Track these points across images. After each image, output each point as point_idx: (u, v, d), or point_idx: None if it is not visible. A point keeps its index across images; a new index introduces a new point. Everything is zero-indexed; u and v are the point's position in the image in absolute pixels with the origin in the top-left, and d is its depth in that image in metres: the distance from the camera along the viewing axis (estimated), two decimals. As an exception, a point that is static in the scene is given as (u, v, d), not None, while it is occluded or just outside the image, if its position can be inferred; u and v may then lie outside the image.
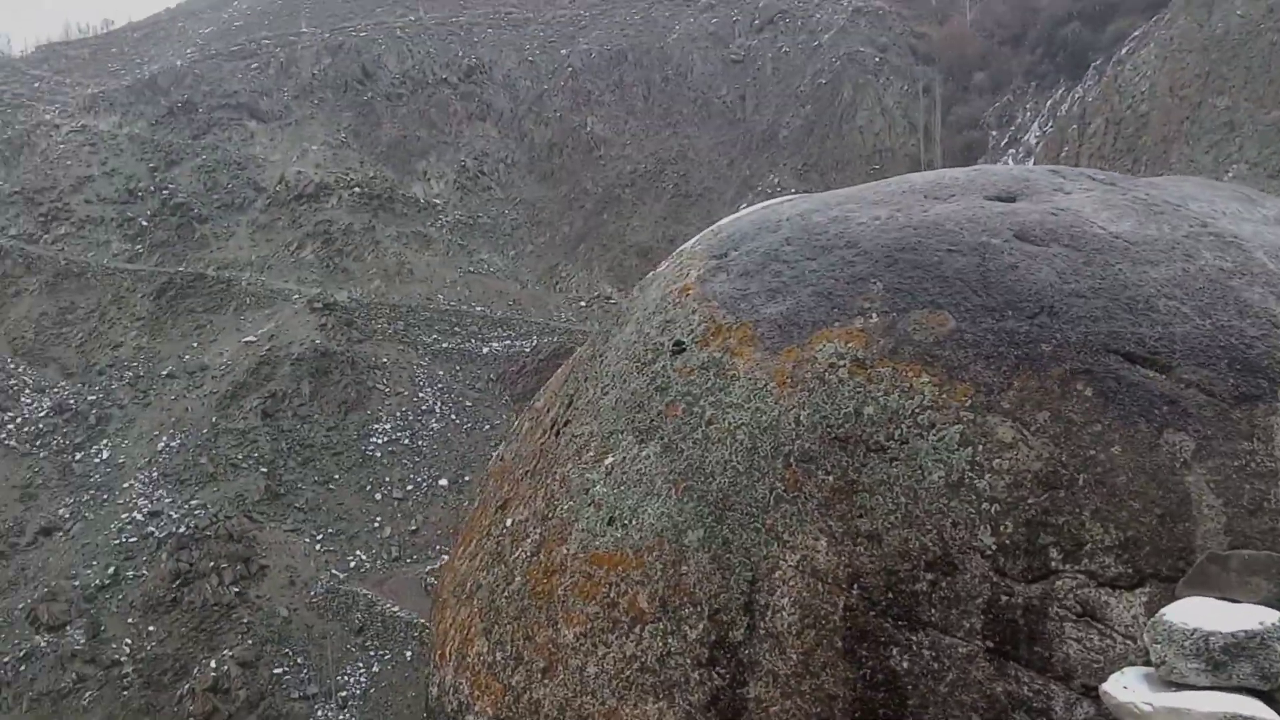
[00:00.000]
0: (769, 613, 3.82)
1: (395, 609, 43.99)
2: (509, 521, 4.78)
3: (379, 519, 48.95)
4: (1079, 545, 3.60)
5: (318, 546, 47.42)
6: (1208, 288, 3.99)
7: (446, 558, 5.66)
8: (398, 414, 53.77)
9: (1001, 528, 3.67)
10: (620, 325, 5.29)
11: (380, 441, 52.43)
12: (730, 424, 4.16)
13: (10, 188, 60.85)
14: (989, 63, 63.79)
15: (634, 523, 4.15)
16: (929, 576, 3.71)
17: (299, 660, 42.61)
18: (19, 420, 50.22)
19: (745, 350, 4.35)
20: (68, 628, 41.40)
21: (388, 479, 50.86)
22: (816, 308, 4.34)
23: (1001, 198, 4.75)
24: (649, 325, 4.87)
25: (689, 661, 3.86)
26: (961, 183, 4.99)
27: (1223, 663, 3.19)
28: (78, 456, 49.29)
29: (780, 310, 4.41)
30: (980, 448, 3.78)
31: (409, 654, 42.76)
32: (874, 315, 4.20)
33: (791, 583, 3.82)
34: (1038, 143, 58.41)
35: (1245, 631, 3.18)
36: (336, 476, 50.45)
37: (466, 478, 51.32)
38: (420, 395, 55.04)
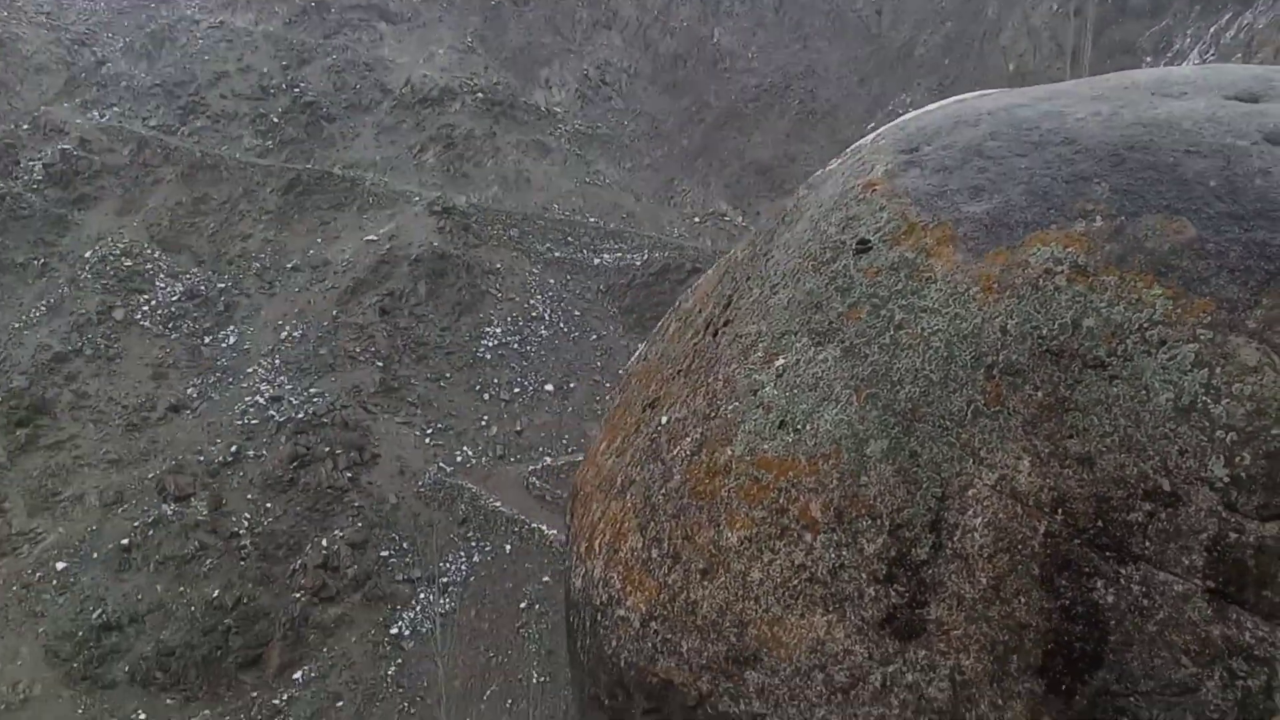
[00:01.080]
0: (958, 532, 3.52)
1: (497, 504, 45.28)
2: (664, 419, 4.56)
3: (486, 418, 50.17)
4: (1328, 485, 3.18)
5: (427, 440, 48.93)
6: None
7: (583, 454, 5.52)
8: (508, 319, 54.58)
9: (1237, 459, 3.27)
10: (789, 224, 4.95)
11: (490, 344, 53.42)
12: (924, 330, 3.82)
13: (151, 80, 62.86)
14: (1148, -17, 59.37)
15: (808, 428, 3.87)
16: (1146, 507, 3.35)
17: (404, 545, 44.42)
18: (154, 303, 52.72)
19: (944, 251, 3.97)
20: (192, 499, 43.91)
21: (496, 380, 51.93)
22: (1030, 207, 3.92)
23: (1243, 98, 4.20)
24: (826, 223, 4.52)
25: (864, 576, 3.60)
26: (1194, 80, 4.43)
27: None
28: (206, 340, 51.63)
29: (986, 209, 4.01)
30: (1219, 370, 3.36)
31: (508, 547, 44.04)
32: (1098, 218, 3.76)
33: (986, 502, 3.51)
34: (1196, 73, 54.18)
35: None
36: (448, 375, 51.73)
37: (572, 384, 52.00)
38: (531, 302, 55.66)
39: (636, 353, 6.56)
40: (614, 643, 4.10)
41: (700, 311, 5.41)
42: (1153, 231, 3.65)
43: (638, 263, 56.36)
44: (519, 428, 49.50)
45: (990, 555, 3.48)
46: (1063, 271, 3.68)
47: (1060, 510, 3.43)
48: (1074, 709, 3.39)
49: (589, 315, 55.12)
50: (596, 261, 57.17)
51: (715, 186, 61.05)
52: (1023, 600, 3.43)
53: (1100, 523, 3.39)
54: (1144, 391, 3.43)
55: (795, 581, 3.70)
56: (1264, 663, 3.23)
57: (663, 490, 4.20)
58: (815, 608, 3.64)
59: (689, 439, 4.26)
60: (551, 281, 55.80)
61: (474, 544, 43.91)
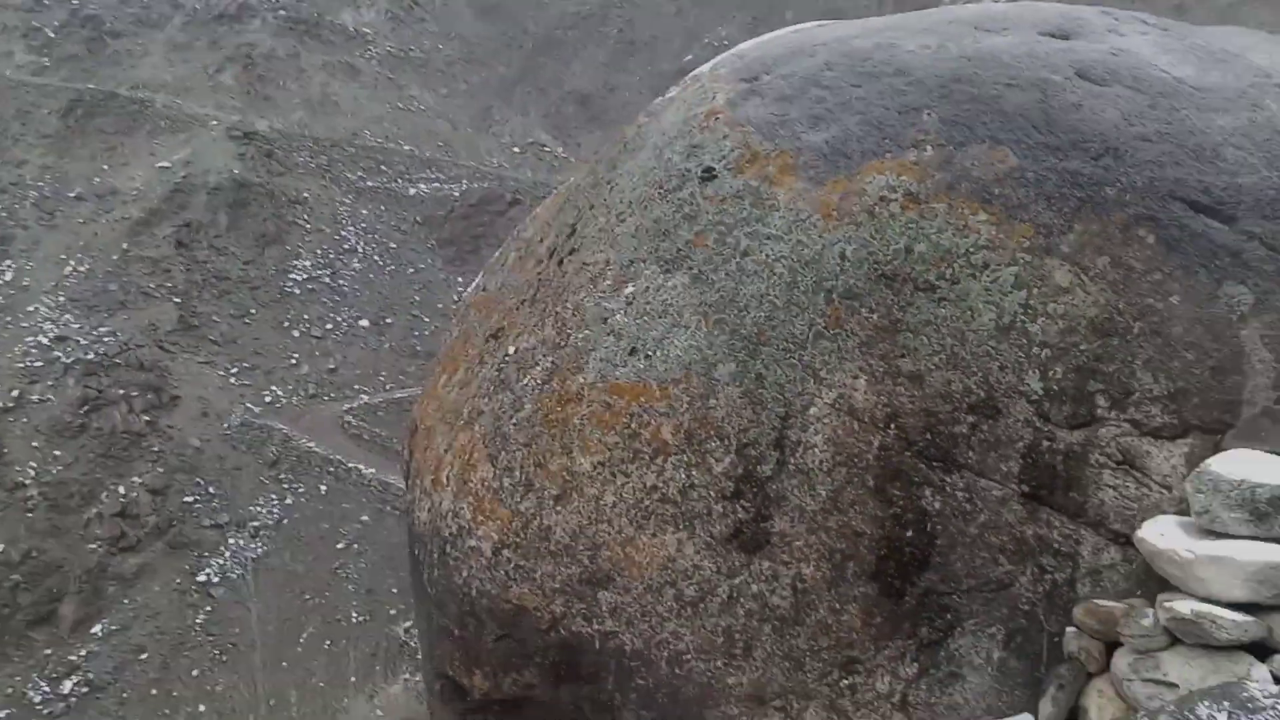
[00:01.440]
0: (800, 449, 3.69)
1: (311, 445, 43.68)
2: (511, 350, 4.52)
3: (296, 356, 48.02)
4: (1127, 394, 3.52)
5: (232, 380, 46.47)
6: (1275, 139, 3.83)
7: (404, 391, 5.36)
8: (318, 251, 52.15)
9: (1050, 373, 3.56)
10: (631, 151, 4.94)
11: (299, 278, 50.95)
12: (768, 256, 3.92)
13: (-104, -19, 55.53)
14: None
15: (659, 354, 3.93)
16: (970, 419, 3.60)
17: (210, 490, 42.32)
18: (-88, 234, 47.31)
19: (786, 179, 4.07)
20: (-32, 449, 40.20)
21: (306, 316, 49.69)
22: (866, 137, 4.06)
23: (1055, 34, 4.47)
24: (671, 151, 4.54)
25: (712, 494, 3.72)
26: (1012, 16, 4.68)
27: (1267, 514, 3.17)
28: (-24, 276, 46.83)
29: (825, 138, 4.13)
30: (1036, 291, 3.62)
31: (324, 489, 42.75)
32: (929, 148, 3.95)
33: (826, 420, 3.68)
34: None
35: (1292, 486, 3.15)
36: (253, 311, 49.09)
37: (388, 319, 50.47)
38: (342, 234, 53.35)
39: (474, 283, 6.44)
40: (465, 573, 4.09)
41: (542, 240, 5.35)
42: (978, 161, 3.86)
43: (456, 193, 54.90)
44: (332, 365, 47.76)
45: (829, 469, 3.66)
46: (897, 199, 3.86)
47: (893, 425, 3.64)
48: (903, 609, 3.65)
49: (405, 248, 53.44)
50: (412, 192, 55.30)
51: (534, 115, 60.04)
52: (858, 510, 3.64)
53: (929, 435, 3.62)
54: (969, 312, 3.66)
55: (647, 503, 3.78)
56: (1068, 558, 3.57)
57: (514, 420, 4.18)
58: (666, 527, 3.74)
59: (539, 368, 4.24)
60: (364, 212, 53.64)
61: (287, 486, 42.34)
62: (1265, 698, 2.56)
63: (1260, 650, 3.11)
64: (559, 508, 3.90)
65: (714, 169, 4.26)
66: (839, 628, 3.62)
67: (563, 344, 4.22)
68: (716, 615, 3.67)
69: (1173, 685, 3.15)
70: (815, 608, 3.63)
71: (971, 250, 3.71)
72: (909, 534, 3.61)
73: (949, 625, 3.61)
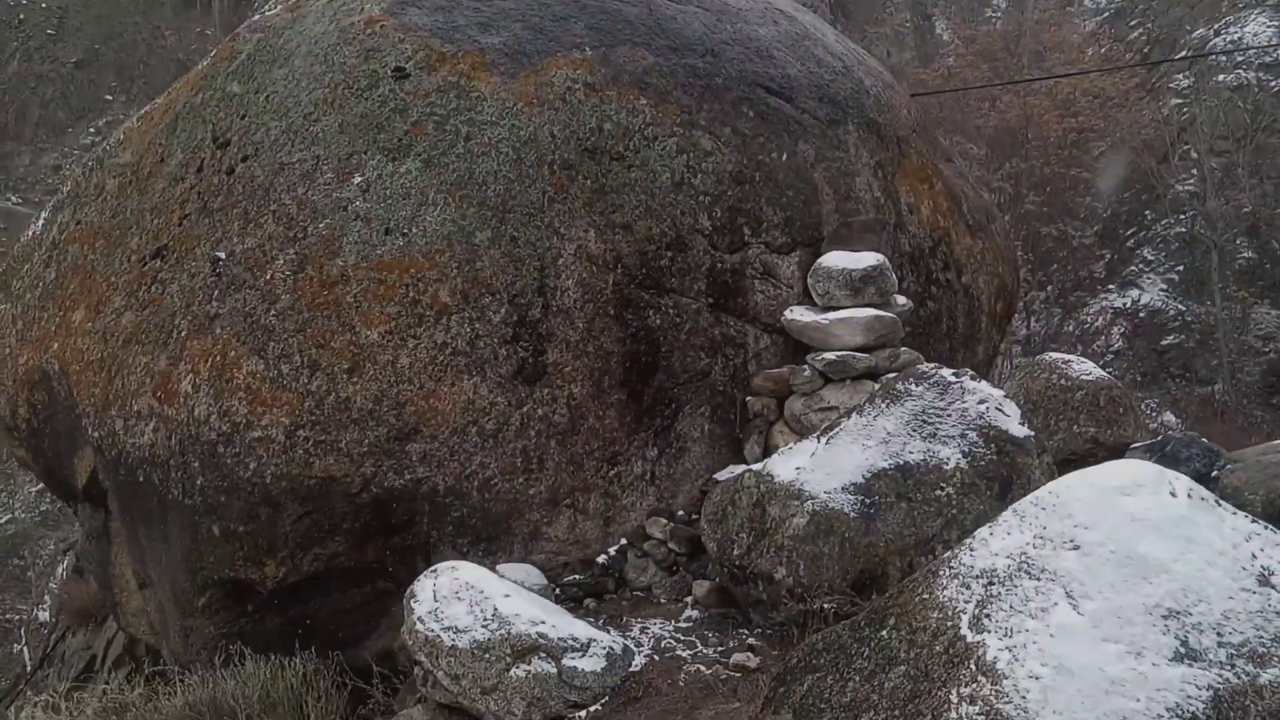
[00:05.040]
0: (558, 293, 4.49)
1: None
2: (221, 255, 4.49)
3: None
4: (760, 224, 4.96)
5: None
6: (796, 44, 5.53)
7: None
8: None
9: (713, 214, 4.85)
10: (265, 64, 5.09)
11: None
12: (490, 139, 4.58)
13: None
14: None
15: (415, 230, 4.38)
16: (669, 254, 4.74)
17: None
18: None
19: (481, 75, 4.73)
20: None
21: None
22: (534, 40, 4.89)
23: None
24: (340, 55, 4.85)
25: (496, 340, 4.35)
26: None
27: (860, 288, 4.85)
28: None
29: (501, 41, 4.85)
30: (691, 155, 4.86)
31: None
32: (587, 48, 4.92)
33: (572, 268, 4.53)
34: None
35: (870, 266, 4.87)
36: None
37: None
38: None
39: (40, 223, 5.79)
40: (253, 464, 4.11)
41: (163, 161, 5.16)
42: (627, 59, 4.95)
43: None
44: None
45: (581, 305, 4.52)
46: (579, 88, 4.78)
47: (619, 265, 4.63)
48: (643, 406, 4.70)
49: None
50: None
51: None
52: (606, 334, 4.57)
53: (644, 270, 4.68)
54: (651, 174, 4.77)
55: (441, 357, 4.26)
56: (740, 346, 4.93)
57: (273, 312, 4.25)
58: (462, 375, 4.28)
59: (280, 262, 4.35)
60: None
61: None
62: (922, 372, 4.16)
63: (873, 376, 4.77)
64: (354, 379, 4.17)
65: (404, 68, 4.73)
66: (604, 430, 4.55)
67: (301, 236, 4.38)
68: (513, 440, 4.34)
69: (834, 408, 4.67)
70: (585, 418, 4.50)
71: (643, 127, 4.80)
72: (643, 347, 4.65)
73: (674, 412, 4.75)
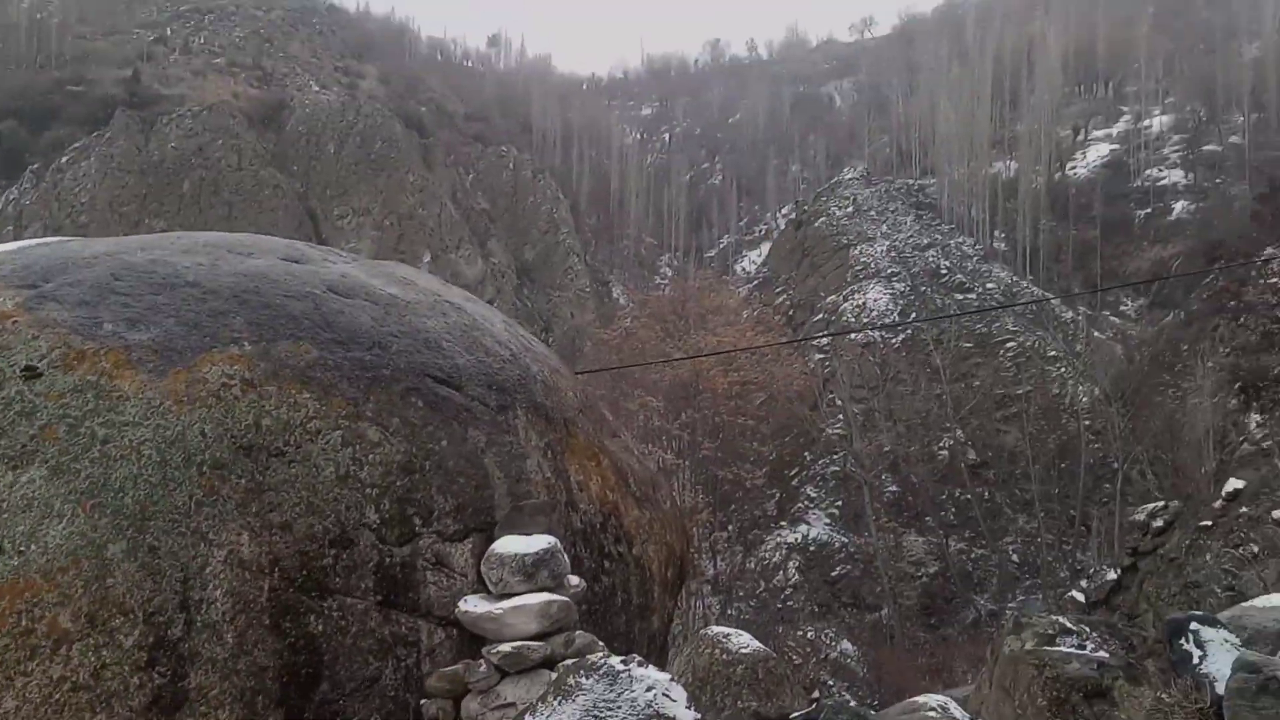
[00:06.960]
0: (204, 606, 4.12)
1: None
2: None
3: None
4: (430, 513, 4.90)
5: None
6: (465, 334, 5.73)
7: None
8: None
9: (381, 506, 4.74)
10: None
11: None
12: (131, 440, 4.27)
13: None
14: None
15: (34, 547, 3.90)
16: (333, 552, 4.54)
17: None
18: None
19: (125, 373, 4.46)
20: None
21: None
22: (188, 335, 4.72)
23: (294, 260, 5.76)
24: (-40, 352, 4.43)
25: (127, 669, 3.87)
26: (249, 244, 5.81)
27: (533, 572, 4.88)
28: None
29: (150, 337, 4.64)
30: (358, 447, 4.78)
31: None
32: (246, 343, 4.81)
33: (222, 576, 4.20)
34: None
35: (542, 549, 4.94)
36: None
37: None
38: None
39: None
40: None
41: None
42: (289, 353, 4.88)
43: None
44: None
45: (232, 618, 4.17)
46: (236, 384, 4.63)
47: (276, 568, 4.35)
48: (305, 723, 4.32)
49: None
50: None
51: None
52: (260, 648, 4.22)
53: (305, 571, 4.43)
54: (314, 469, 4.62)
55: (57, 695, 3.71)
56: (412, 645, 4.73)
57: None
58: (83, 713, 3.74)
59: None
60: None
61: None
62: (590, 664, 4.15)
63: (550, 664, 4.72)
64: (-57, 735, 3.52)
65: (36, 367, 4.37)
66: (259, 757, 4.11)
67: (-116, 564, 3.77)
68: (143, 787, 3.81)
69: (511, 704, 4.54)
70: (226, 750, 4.06)
71: (305, 420, 4.69)
72: (303, 658, 4.33)
73: (341, 724, 4.40)
